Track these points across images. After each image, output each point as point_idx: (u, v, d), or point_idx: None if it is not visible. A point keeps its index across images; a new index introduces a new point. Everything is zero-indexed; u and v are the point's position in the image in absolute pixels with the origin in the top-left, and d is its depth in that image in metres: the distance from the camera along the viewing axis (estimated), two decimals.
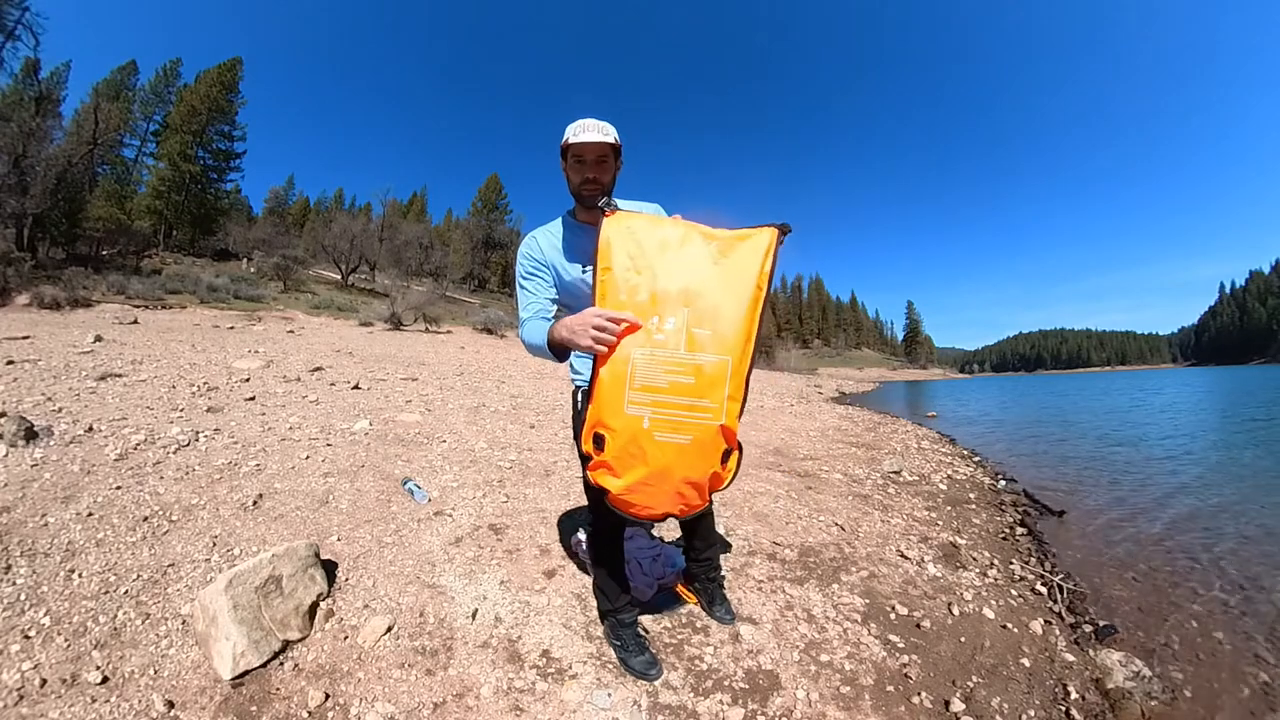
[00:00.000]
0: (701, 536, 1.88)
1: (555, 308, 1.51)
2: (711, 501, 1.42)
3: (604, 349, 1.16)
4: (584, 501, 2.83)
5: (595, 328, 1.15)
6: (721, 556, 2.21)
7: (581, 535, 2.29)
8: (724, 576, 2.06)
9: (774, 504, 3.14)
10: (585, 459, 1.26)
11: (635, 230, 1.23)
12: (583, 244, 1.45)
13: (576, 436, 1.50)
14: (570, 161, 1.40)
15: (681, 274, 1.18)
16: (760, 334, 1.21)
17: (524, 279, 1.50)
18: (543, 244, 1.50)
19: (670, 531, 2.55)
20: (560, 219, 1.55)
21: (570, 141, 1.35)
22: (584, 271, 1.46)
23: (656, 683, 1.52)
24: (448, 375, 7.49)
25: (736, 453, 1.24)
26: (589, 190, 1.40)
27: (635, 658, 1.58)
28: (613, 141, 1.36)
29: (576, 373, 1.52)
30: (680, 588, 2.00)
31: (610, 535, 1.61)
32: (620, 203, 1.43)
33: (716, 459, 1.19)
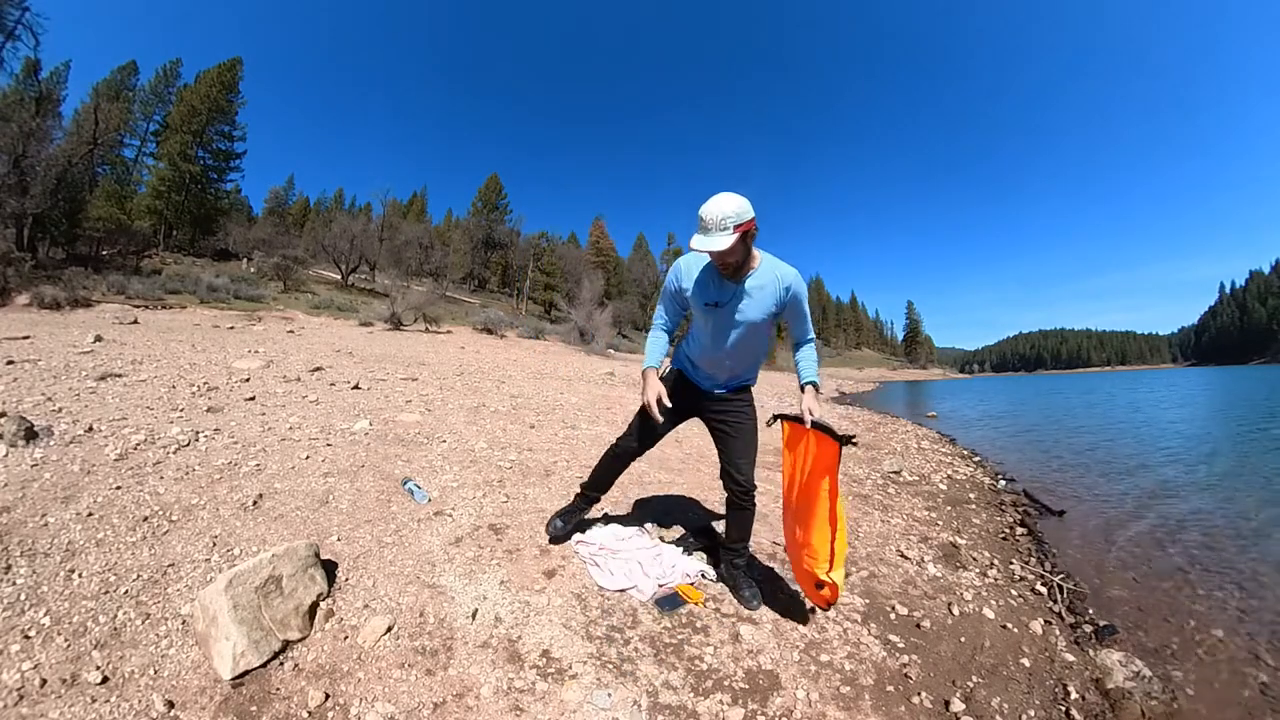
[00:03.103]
0: (738, 527, 2.03)
1: (678, 324, 2.04)
2: (753, 501, 1.98)
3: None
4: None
5: (646, 402, 1.90)
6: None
7: (582, 535, 2.30)
8: (747, 566, 2.10)
9: (774, 504, 3.14)
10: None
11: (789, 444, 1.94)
12: (714, 290, 1.84)
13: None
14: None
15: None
16: (837, 499, 1.71)
17: (668, 294, 1.96)
18: (686, 270, 1.88)
19: (671, 532, 2.55)
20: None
21: (693, 248, 1.63)
22: (710, 306, 1.84)
23: (656, 682, 1.52)
24: (448, 375, 7.49)
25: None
26: (723, 269, 1.75)
27: (556, 521, 2.22)
28: (730, 243, 1.59)
29: (685, 358, 2.05)
30: (681, 587, 2.00)
31: (623, 457, 2.15)
32: (761, 256, 1.81)
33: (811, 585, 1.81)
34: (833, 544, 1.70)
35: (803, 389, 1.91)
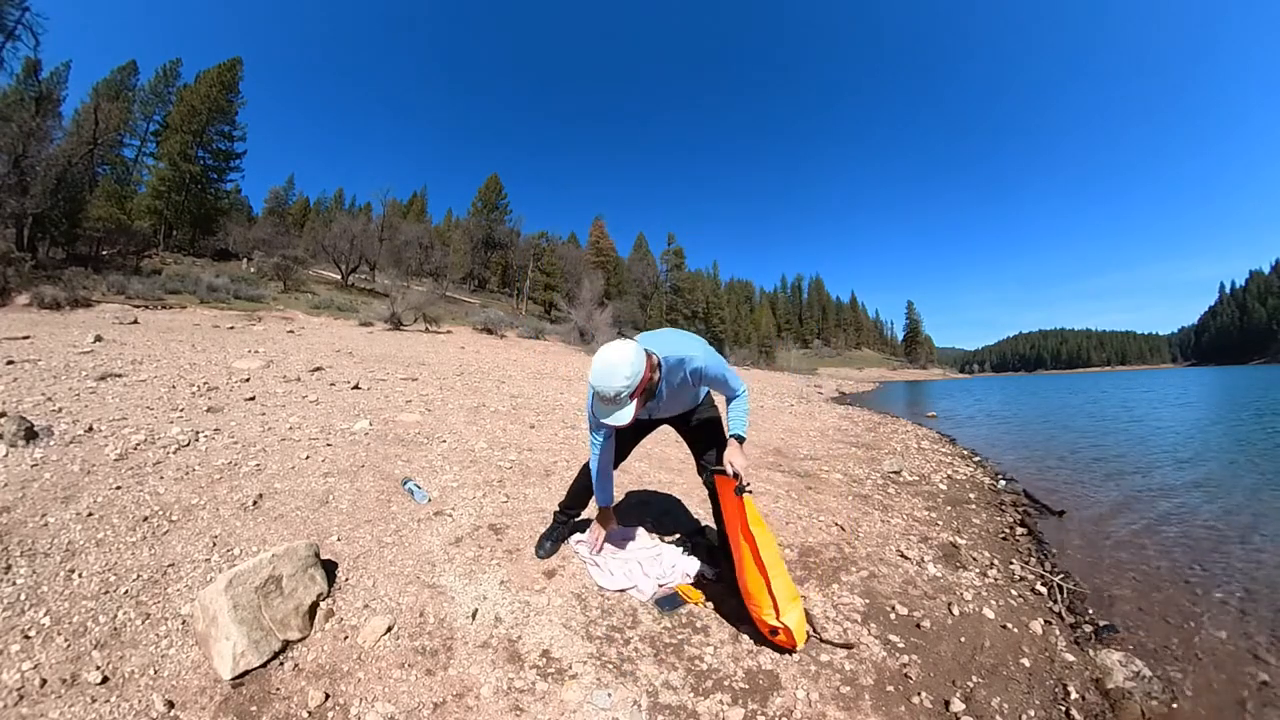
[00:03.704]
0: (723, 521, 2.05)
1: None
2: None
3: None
4: None
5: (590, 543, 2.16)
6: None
7: (581, 535, 2.30)
8: None
9: (774, 504, 3.14)
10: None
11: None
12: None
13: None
14: None
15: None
16: (758, 548, 1.72)
17: (595, 418, 1.89)
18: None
19: (670, 532, 2.55)
20: None
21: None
22: (638, 420, 1.89)
23: (656, 682, 1.52)
24: (448, 375, 7.49)
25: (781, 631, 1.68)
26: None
27: (545, 543, 2.18)
28: (635, 410, 1.61)
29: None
30: (681, 587, 2.00)
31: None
32: (655, 352, 1.73)
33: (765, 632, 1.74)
34: (770, 589, 1.68)
35: (727, 440, 1.91)
